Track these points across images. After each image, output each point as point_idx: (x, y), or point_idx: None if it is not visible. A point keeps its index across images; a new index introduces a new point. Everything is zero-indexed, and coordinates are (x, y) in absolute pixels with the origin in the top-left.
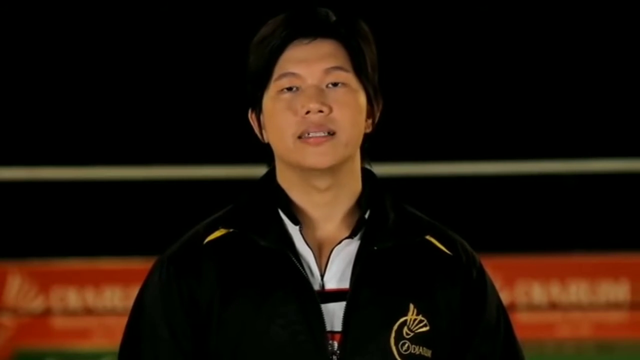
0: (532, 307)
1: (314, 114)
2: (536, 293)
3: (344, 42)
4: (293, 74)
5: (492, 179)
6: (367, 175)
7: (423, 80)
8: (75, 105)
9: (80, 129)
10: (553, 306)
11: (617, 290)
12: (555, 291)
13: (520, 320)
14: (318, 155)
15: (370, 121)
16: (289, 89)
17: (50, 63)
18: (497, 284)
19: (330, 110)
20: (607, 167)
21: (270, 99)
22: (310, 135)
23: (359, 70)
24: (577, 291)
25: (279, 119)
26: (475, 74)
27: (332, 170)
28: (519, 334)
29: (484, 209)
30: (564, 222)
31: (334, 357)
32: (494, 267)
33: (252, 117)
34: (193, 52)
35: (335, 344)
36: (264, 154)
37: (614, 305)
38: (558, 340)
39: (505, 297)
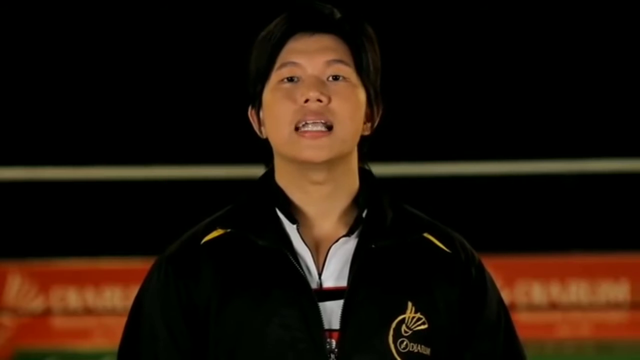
0: (532, 307)
1: (312, 103)
2: (536, 293)
3: (347, 38)
4: (294, 64)
5: (492, 179)
6: (364, 174)
7: (423, 80)
8: (75, 105)
9: (80, 129)
10: (553, 306)
11: (617, 290)
12: (555, 291)
13: (520, 320)
14: (314, 149)
15: (369, 124)
16: (290, 79)
17: (50, 63)
18: (497, 284)
19: (329, 100)
20: (607, 167)
21: (270, 90)
22: (307, 126)
23: (360, 67)
24: (577, 291)
25: (277, 107)
26: (475, 74)
27: (328, 165)
28: (519, 334)
29: (484, 209)
30: (564, 222)
31: (332, 355)
32: (494, 267)
33: (251, 114)
34: (193, 52)
35: (334, 343)
36: (263, 153)
37: (614, 305)
38: (558, 340)
39: (505, 297)
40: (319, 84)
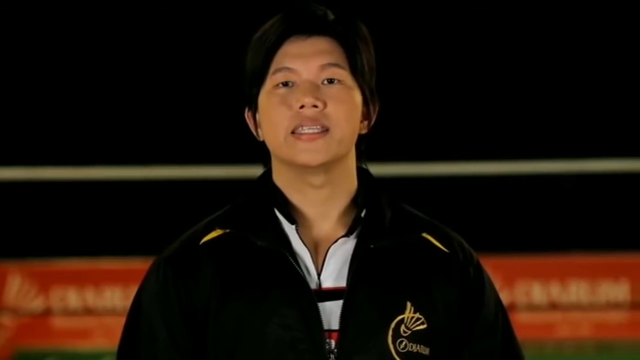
0: (532, 307)
1: (308, 109)
2: (536, 293)
3: (341, 40)
4: (289, 69)
5: (492, 179)
6: (363, 174)
7: (422, 80)
8: (75, 105)
9: (80, 129)
10: (553, 306)
11: (617, 290)
12: (555, 291)
13: (520, 320)
14: (310, 152)
15: (365, 123)
16: (285, 84)
17: (50, 63)
18: (497, 284)
19: (325, 105)
20: (607, 167)
21: (265, 95)
22: (303, 130)
23: (355, 69)
24: (577, 291)
25: (273, 113)
26: (475, 74)
27: (326, 167)
28: (519, 334)
29: (484, 209)
30: (564, 222)
31: (332, 355)
32: (494, 267)
33: (248, 116)
34: (193, 52)
35: (333, 343)
36: (260, 154)
37: (614, 305)
38: (558, 340)
39: (505, 297)
40: (314, 88)
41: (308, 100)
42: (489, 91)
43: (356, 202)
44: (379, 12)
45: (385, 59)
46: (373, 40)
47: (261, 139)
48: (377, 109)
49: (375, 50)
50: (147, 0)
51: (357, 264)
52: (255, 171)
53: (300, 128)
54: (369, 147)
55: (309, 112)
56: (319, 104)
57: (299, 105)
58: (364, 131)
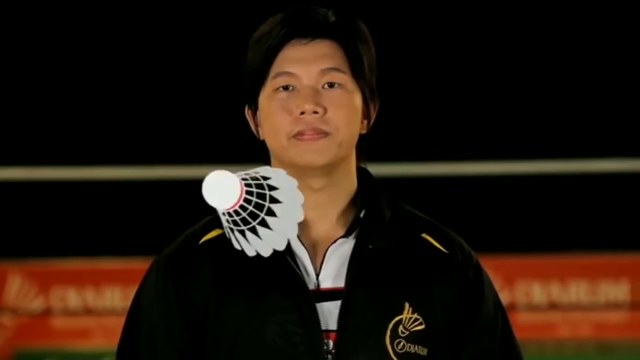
0: (532, 307)
1: (308, 115)
2: (536, 293)
3: (342, 43)
4: (289, 74)
5: (492, 179)
6: (362, 174)
7: (422, 80)
8: (75, 105)
9: (80, 129)
10: (553, 306)
11: (617, 290)
12: (555, 291)
13: (520, 320)
14: (312, 153)
15: (366, 122)
16: (285, 88)
17: (50, 63)
18: (497, 284)
19: (325, 111)
20: (607, 167)
21: (266, 97)
22: (304, 133)
23: (356, 72)
24: (577, 291)
25: (274, 118)
26: (475, 74)
27: (327, 169)
28: (519, 334)
29: (484, 209)
30: (564, 222)
31: (329, 356)
32: (494, 267)
33: (248, 114)
34: (193, 52)
35: (331, 343)
36: (261, 152)
37: (614, 306)
38: (558, 340)
39: (505, 297)
40: (314, 94)
41: (308, 107)
42: (489, 91)
43: (355, 203)
44: (379, 12)
45: (385, 59)
46: (373, 40)
47: (262, 138)
48: (377, 107)
49: (376, 50)
50: (147, 0)
51: (356, 265)
52: None
53: (300, 134)
54: (369, 147)
55: (309, 119)
56: (319, 109)
57: (300, 111)
58: (363, 131)
